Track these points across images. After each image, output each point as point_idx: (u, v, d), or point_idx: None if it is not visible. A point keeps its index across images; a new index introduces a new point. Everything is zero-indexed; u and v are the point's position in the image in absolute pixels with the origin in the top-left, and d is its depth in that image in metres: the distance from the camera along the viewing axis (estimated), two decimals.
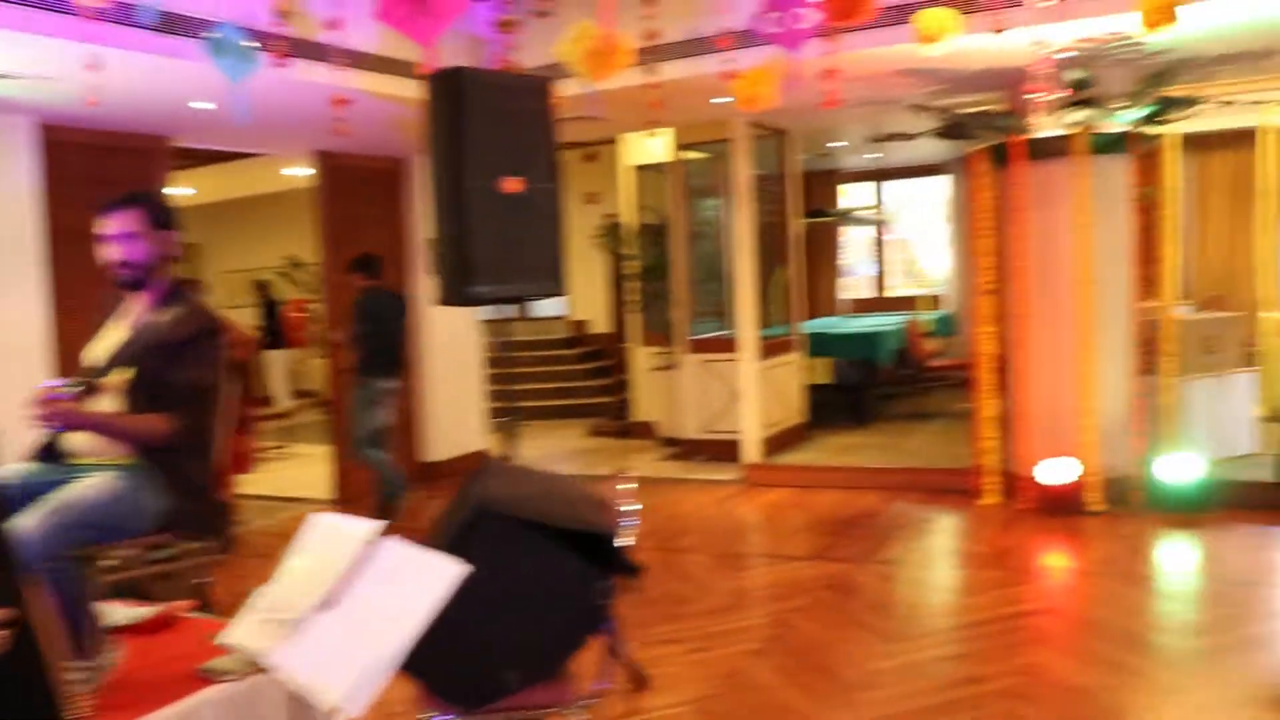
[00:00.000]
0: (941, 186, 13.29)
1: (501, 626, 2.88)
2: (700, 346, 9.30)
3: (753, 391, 8.76)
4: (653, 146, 9.95)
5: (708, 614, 5.42)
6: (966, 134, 7.35)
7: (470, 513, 2.95)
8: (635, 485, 3.36)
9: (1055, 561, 6.36)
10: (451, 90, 4.18)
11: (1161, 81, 6.85)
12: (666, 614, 5.42)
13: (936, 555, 6.51)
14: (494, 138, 4.22)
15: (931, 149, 10.93)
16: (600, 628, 3.10)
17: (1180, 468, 6.98)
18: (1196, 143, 11.57)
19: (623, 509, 3.28)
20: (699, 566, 6.26)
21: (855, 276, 14.91)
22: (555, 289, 4.55)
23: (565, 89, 5.86)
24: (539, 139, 4.45)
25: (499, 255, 4.23)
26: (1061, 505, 7.02)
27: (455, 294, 4.20)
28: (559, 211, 4.55)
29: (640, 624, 5.20)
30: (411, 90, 6.27)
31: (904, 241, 15.22)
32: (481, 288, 4.19)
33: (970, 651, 4.78)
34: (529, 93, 4.47)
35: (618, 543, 3.07)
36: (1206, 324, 7.83)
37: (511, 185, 4.27)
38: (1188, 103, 6.96)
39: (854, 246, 14.80)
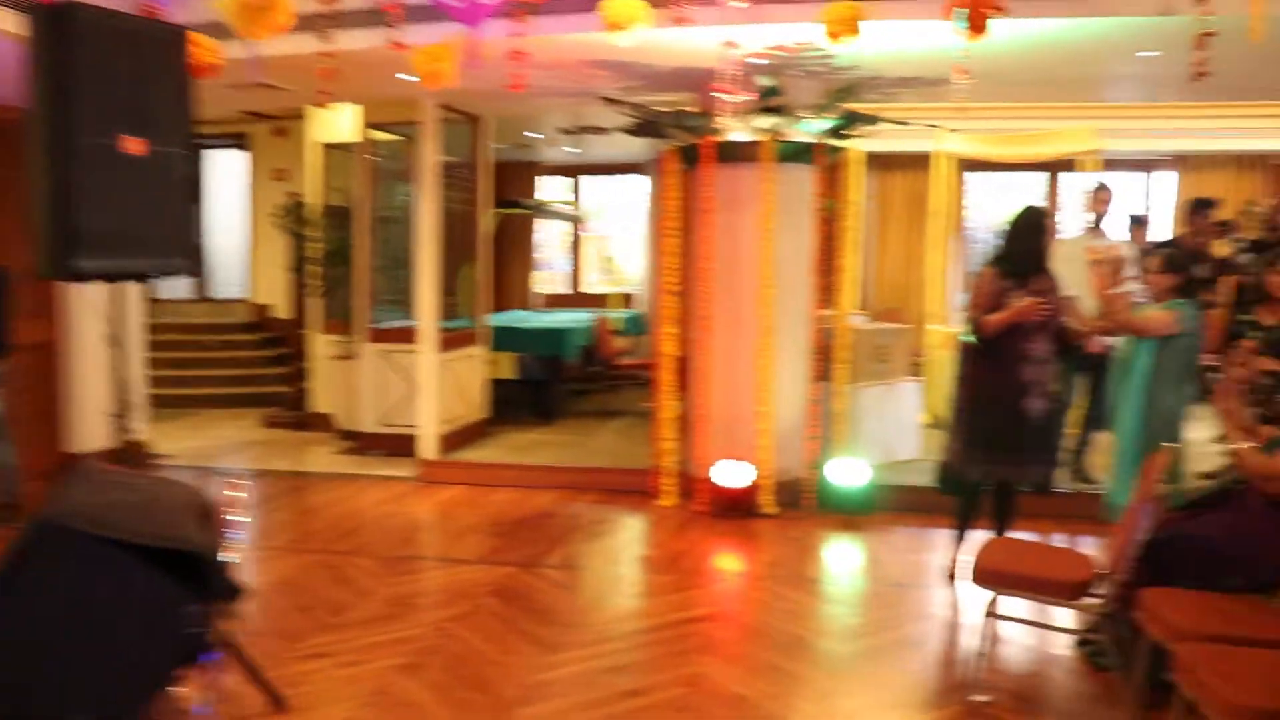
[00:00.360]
0: (640, 186, 13.32)
1: (67, 661, 2.41)
2: (380, 336, 8.85)
3: (431, 385, 8.37)
4: (342, 124, 9.39)
5: (365, 623, 5.04)
6: (658, 132, 7.25)
7: (33, 529, 2.46)
8: (249, 490, 2.95)
9: (727, 565, 6.34)
10: (61, 28, 3.58)
11: (847, 96, 6.98)
12: (321, 624, 5.02)
13: (609, 558, 6.35)
14: (113, 89, 3.66)
15: (631, 147, 10.86)
16: (197, 659, 2.67)
17: (850, 472, 7.14)
18: (879, 161, 12.09)
19: (232, 520, 2.86)
20: (362, 571, 5.85)
21: (550, 271, 14.76)
22: (185, 267, 4.01)
23: (229, 50, 5.32)
24: (171, 96, 3.91)
25: (113, 225, 3.66)
26: (736, 507, 7.04)
27: (55, 266, 3.59)
28: (195, 180, 4.02)
29: (291, 636, 4.81)
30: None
31: (601, 238, 15.20)
32: (88, 261, 3.61)
33: (636, 661, 4.64)
34: (161, 42, 3.90)
35: (220, 561, 2.65)
36: (879, 334, 8.09)
37: (133, 146, 3.72)
38: (869, 120, 7.12)
39: (551, 241, 14.65)
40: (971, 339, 5.53)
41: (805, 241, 7.22)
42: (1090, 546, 6.53)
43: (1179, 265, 5.52)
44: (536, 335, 9.99)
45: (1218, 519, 4.19)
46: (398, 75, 6.91)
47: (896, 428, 8.05)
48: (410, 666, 4.53)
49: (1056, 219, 12.14)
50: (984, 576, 4.21)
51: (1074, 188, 10.52)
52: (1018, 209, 5.67)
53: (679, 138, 7.18)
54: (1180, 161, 12.04)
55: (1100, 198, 7.30)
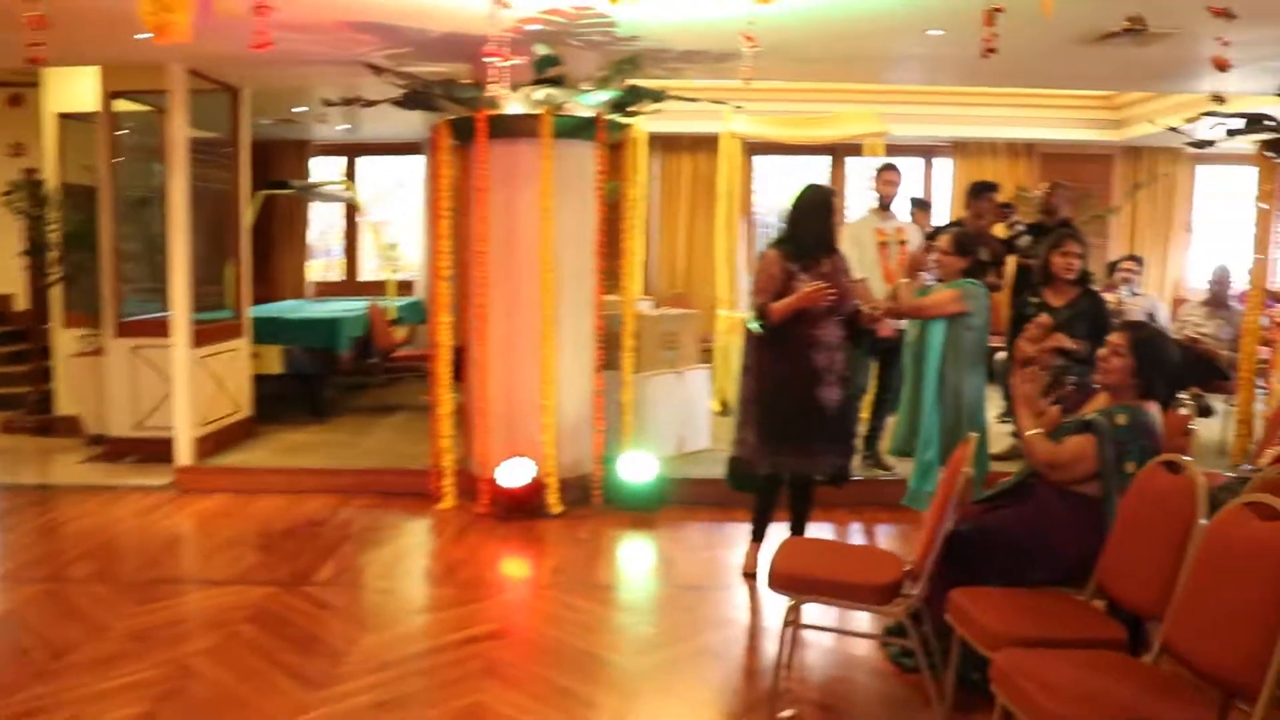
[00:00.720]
0: (420, 165, 12.66)
1: None
2: (131, 329, 7.99)
3: (185, 383, 7.58)
4: (84, 92, 8.43)
5: (93, 666, 4.33)
6: (429, 104, 6.70)
7: None
8: None
9: (511, 573, 5.88)
10: None
11: (629, 69, 6.60)
12: (38, 671, 4.28)
13: (381, 572, 5.73)
14: None
15: (409, 124, 10.27)
16: None
17: (639, 466, 6.79)
18: (665, 143, 11.84)
19: None
20: (97, 601, 5.11)
21: (326, 258, 13.94)
22: None
23: None
24: None
25: None
26: (521, 508, 6.60)
27: None
28: None
29: None
30: None
31: (379, 222, 14.45)
32: None
33: (408, 694, 4.13)
34: None
35: None
36: (667, 320, 7.75)
37: None
38: (655, 95, 6.77)
39: (326, 226, 13.81)
40: (757, 326, 5.21)
41: (588, 223, 6.81)
42: (888, 535, 6.39)
43: (968, 247, 5.37)
44: (305, 326, 9.26)
45: (1016, 512, 3.99)
46: (137, 37, 6.15)
47: (687, 417, 7.75)
48: (142, 718, 3.90)
49: (842, 200, 12.19)
50: (783, 582, 3.88)
51: (861, 171, 10.51)
52: (801, 188, 5.37)
53: (451, 110, 6.66)
54: (958, 148, 12.22)
55: (887, 179, 7.15)
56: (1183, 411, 4.43)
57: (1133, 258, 9.06)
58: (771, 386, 5.20)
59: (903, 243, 7.06)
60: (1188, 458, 3.38)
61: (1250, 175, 12.45)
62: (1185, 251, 12.44)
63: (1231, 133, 7.44)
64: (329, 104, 6.68)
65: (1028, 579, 3.74)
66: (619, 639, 4.78)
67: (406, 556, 6.03)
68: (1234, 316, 7.80)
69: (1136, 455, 3.72)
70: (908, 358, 5.45)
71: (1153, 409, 3.88)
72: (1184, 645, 2.95)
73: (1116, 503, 3.68)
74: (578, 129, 6.61)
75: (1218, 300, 8.05)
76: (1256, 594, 2.70)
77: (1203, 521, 3.09)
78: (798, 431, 5.16)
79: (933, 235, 7.25)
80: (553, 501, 6.63)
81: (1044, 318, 5.13)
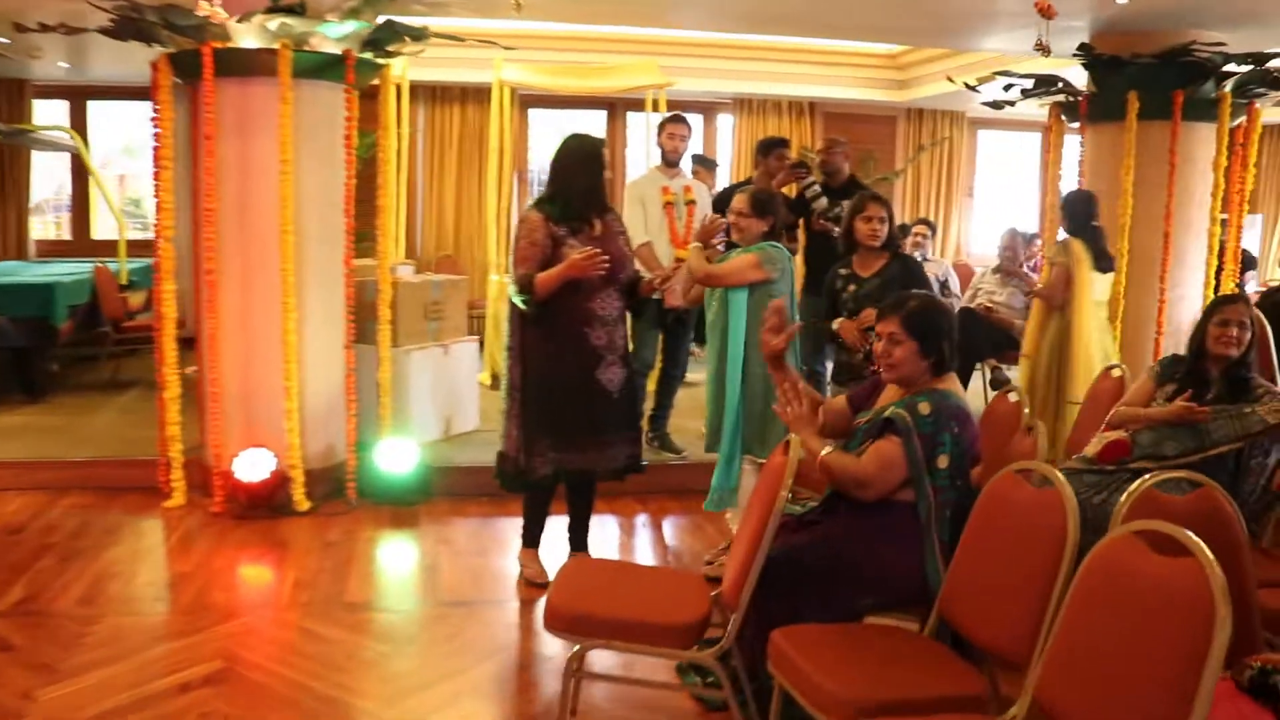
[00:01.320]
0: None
1: None
2: None
3: None
4: None
5: None
6: (146, 34, 5.68)
7: None
8: None
9: (246, 591, 4.97)
10: None
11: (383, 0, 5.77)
12: None
13: (84, 595, 4.63)
14: None
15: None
16: None
17: (399, 453, 6.02)
18: (431, 93, 11.01)
19: None
20: None
21: (56, 215, 12.43)
22: None
23: None
24: None
25: None
26: (262, 505, 5.74)
27: None
28: None
29: None
30: None
31: (118, 175, 13.02)
32: None
33: None
34: None
35: None
36: (431, 287, 6.95)
37: None
38: (415, 33, 5.95)
39: (53, 178, 12.28)
40: (521, 302, 4.47)
41: (337, 178, 5.92)
42: (678, 528, 5.83)
43: (768, 207, 4.79)
44: (13, 293, 7.99)
45: (829, 528, 3.38)
46: None
47: (454, 396, 6.98)
48: None
49: (621, 157, 11.65)
50: (564, 625, 3.15)
51: (641, 127, 9.95)
52: (564, 139, 4.62)
53: (171, 42, 5.67)
54: (740, 105, 11.80)
55: (673, 131, 6.48)
56: (1012, 398, 3.94)
57: (924, 221, 8.80)
58: (543, 371, 4.50)
59: (691, 202, 6.46)
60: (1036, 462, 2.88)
61: (1030, 141, 12.65)
62: (967, 217, 12.41)
63: (1026, 94, 7.18)
64: (21, 29, 5.57)
65: (855, 606, 3.18)
66: (370, 679, 3.95)
67: (119, 573, 4.97)
68: (1026, 285, 7.56)
69: (949, 446, 3.22)
70: (711, 337, 4.83)
71: (954, 385, 3.39)
72: (1062, 706, 2.42)
73: (934, 505, 3.17)
74: (323, 68, 5.73)
75: (1009, 268, 7.81)
76: (1160, 651, 2.19)
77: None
78: (578, 422, 4.48)
79: (724, 196, 6.72)
80: (299, 497, 5.79)
81: (869, 314, 4.54)
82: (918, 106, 11.79)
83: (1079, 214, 6.24)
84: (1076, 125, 7.32)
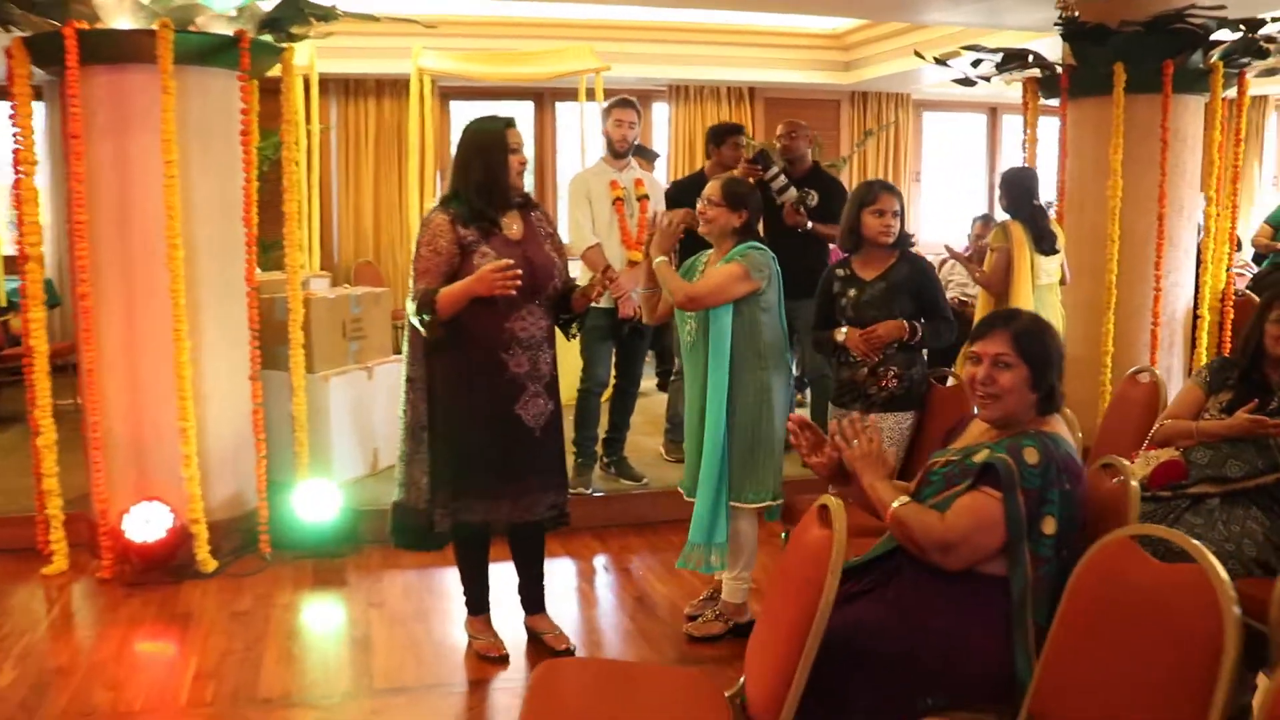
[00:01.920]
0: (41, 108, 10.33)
1: None
2: None
3: None
4: None
5: None
6: (4, 17, 4.81)
7: None
8: None
9: (139, 689, 3.95)
10: None
11: None
12: None
13: None
14: None
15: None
16: None
17: (320, 496, 5.20)
18: (347, 86, 10.18)
19: None
20: None
21: None
22: None
23: None
24: None
25: None
26: (160, 568, 4.89)
27: None
28: None
29: None
30: None
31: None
32: None
33: None
34: None
35: None
36: (349, 302, 6.10)
37: None
38: (322, 13, 5.16)
39: None
40: (420, 324, 3.67)
41: (234, 181, 5.05)
42: (646, 569, 5.07)
43: (744, 198, 4.05)
44: None
45: (894, 604, 2.59)
46: None
47: (380, 425, 6.11)
48: None
49: (541, 146, 10.94)
50: None
51: (575, 117, 9.22)
52: (465, 125, 3.81)
53: (27, 23, 4.80)
54: (675, 92, 11.10)
55: (620, 118, 5.71)
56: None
57: None
58: (450, 405, 3.72)
59: (644, 197, 5.69)
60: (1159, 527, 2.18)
61: (976, 122, 12.12)
62: (915, 202, 11.83)
63: (1000, 68, 6.58)
64: None
65: (918, 707, 2.45)
66: None
67: None
68: (972, 272, 6.93)
69: (1058, 506, 2.50)
70: (688, 363, 4.07)
71: (1063, 429, 2.67)
72: None
73: (1030, 580, 2.46)
74: (212, 52, 4.89)
75: (981, 257, 7.16)
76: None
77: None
78: (495, 467, 3.72)
79: (675, 192, 6.00)
80: (203, 557, 4.93)
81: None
82: (862, 89, 11.19)
83: (1019, 194, 5.80)
84: (1055, 102, 6.71)
